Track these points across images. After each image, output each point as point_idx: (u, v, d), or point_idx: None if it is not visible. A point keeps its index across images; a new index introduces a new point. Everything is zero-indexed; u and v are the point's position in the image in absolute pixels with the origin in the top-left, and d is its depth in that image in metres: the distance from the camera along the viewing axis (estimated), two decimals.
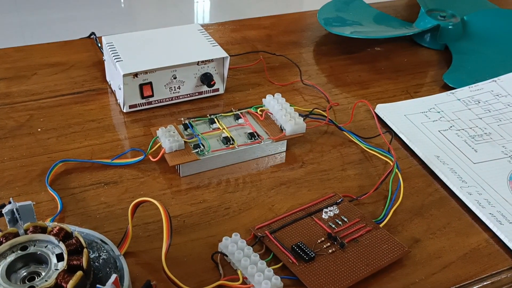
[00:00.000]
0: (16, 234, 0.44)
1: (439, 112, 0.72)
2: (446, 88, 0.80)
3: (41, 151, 0.63)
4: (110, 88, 0.76)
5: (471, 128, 0.69)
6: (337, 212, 0.55)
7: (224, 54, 0.71)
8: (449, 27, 0.90)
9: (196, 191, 0.58)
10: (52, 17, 2.53)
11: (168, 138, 0.60)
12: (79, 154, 0.63)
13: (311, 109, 0.70)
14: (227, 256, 0.50)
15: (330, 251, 0.51)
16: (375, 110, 0.72)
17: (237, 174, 0.61)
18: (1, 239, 0.44)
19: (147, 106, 0.71)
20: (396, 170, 0.60)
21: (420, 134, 0.68)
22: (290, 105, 0.66)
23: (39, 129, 0.67)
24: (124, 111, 0.70)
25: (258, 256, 0.48)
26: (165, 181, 0.60)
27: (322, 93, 0.76)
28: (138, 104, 0.70)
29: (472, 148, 0.66)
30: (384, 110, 0.72)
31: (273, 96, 0.67)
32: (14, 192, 0.57)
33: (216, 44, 0.73)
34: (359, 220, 0.54)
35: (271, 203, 0.57)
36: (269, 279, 0.46)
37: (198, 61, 0.70)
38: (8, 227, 0.46)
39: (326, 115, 0.69)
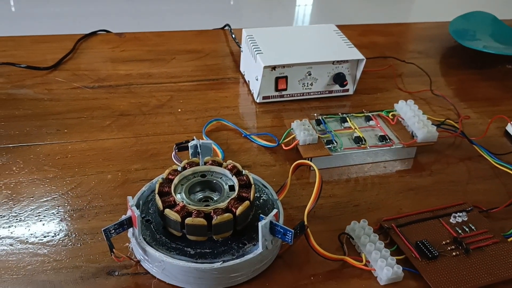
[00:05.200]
0: (197, 164, 0.53)
1: None
2: None
3: (181, 130, 0.68)
4: (243, 78, 0.80)
5: None
6: (466, 219, 0.55)
7: (360, 56, 0.72)
8: None
9: (325, 185, 0.60)
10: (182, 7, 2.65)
11: (303, 131, 0.62)
12: (215, 138, 0.67)
13: (443, 119, 0.69)
14: (353, 239, 0.52)
15: (454, 253, 0.51)
16: (506, 128, 0.71)
17: (366, 174, 0.62)
18: (186, 166, 0.53)
19: (279, 99, 0.74)
20: None
21: None
22: (423, 113, 0.66)
23: (179, 110, 0.72)
24: (257, 101, 0.73)
25: (383, 244, 0.50)
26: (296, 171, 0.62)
27: (452, 105, 0.76)
28: (271, 96, 0.73)
29: None
30: None
31: (406, 102, 0.68)
32: (158, 164, 0.62)
33: (352, 45, 0.75)
34: (487, 231, 0.54)
35: (399, 206, 0.58)
36: (391, 266, 0.48)
37: (334, 61, 0.72)
38: (190, 157, 0.55)
39: (459, 127, 0.68)
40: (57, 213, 0.54)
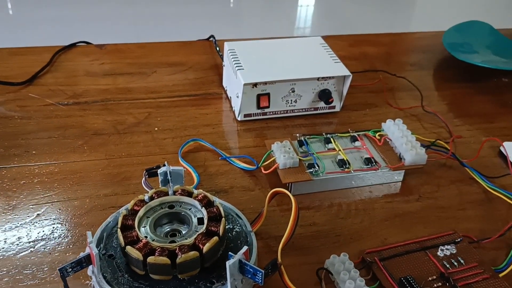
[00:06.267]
0: (166, 194, 0.50)
1: None
2: None
3: (157, 151, 0.64)
4: (226, 93, 0.76)
5: None
6: (454, 252, 0.52)
7: (346, 72, 0.69)
8: None
9: (306, 212, 0.57)
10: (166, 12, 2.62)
11: (283, 154, 0.58)
12: (192, 159, 0.63)
13: (433, 140, 0.66)
14: (332, 274, 0.48)
15: None
16: (500, 148, 0.67)
17: (349, 199, 0.59)
18: (154, 195, 0.49)
19: (261, 117, 0.70)
20: None
21: None
22: (411, 133, 0.62)
23: (156, 128, 0.68)
24: (239, 119, 0.70)
25: (364, 281, 0.47)
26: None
27: (444, 124, 0.72)
28: (253, 114, 0.70)
29: None
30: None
31: (394, 121, 0.64)
32: (129, 189, 0.58)
33: (338, 60, 0.71)
34: (477, 265, 0.50)
35: (384, 235, 0.54)
36: None
37: (319, 77, 0.69)
38: (160, 186, 0.51)
39: (449, 148, 0.65)
40: (17, 244, 0.50)
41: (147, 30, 2.35)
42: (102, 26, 2.33)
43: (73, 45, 0.88)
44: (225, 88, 0.76)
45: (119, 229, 0.45)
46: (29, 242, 0.51)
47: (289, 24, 2.68)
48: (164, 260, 0.42)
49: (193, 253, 0.43)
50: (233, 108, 0.72)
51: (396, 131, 0.63)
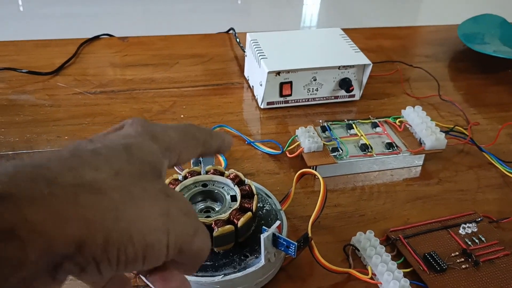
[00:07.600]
0: (199, 173, 0.52)
1: None
2: None
3: None
4: (247, 83, 0.78)
5: None
6: (475, 230, 0.54)
7: (366, 61, 0.71)
8: None
9: (330, 194, 0.59)
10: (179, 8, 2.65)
11: (307, 138, 0.60)
12: None
13: (451, 126, 0.68)
14: (358, 250, 0.50)
15: (463, 266, 0.49)
16: None
17: (372, 182, 0.61)
18: (187, 175, 0.51)
19: (283, 105, 0.72)
20: None
21: None
22: (431, 120, 0.64)
23: (182, 116, 0.70)
24: (261, 107, 0.72)
25: (390, 256, 0.49)
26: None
27: (461, 111, 0.74)
28: (276, 101, 0.72)
29: None
30: None
31: (413, 108, 0.66)
32: None
33: (358, 50, 0.73)
34: (498, 242, 0.52)
35: (407, 216, 0.56)
36: (398, 280, 0.46)
37: (340, 66, 0.71)
38: (192, 166, 0.53)
39: (468, 134, 0.67)
40: None
41: (154, 26, 2.38)
42: (106, 23, 2.35)
43: (96, 38, 0.90)
44: (247, 78, 0.78)
45: None
46: None
47: (297, 20, 2.70)
48: None
49: (228, 227, 0.45)
50: (256, 97, 0.74)
51: (415, 117, 0.65)
